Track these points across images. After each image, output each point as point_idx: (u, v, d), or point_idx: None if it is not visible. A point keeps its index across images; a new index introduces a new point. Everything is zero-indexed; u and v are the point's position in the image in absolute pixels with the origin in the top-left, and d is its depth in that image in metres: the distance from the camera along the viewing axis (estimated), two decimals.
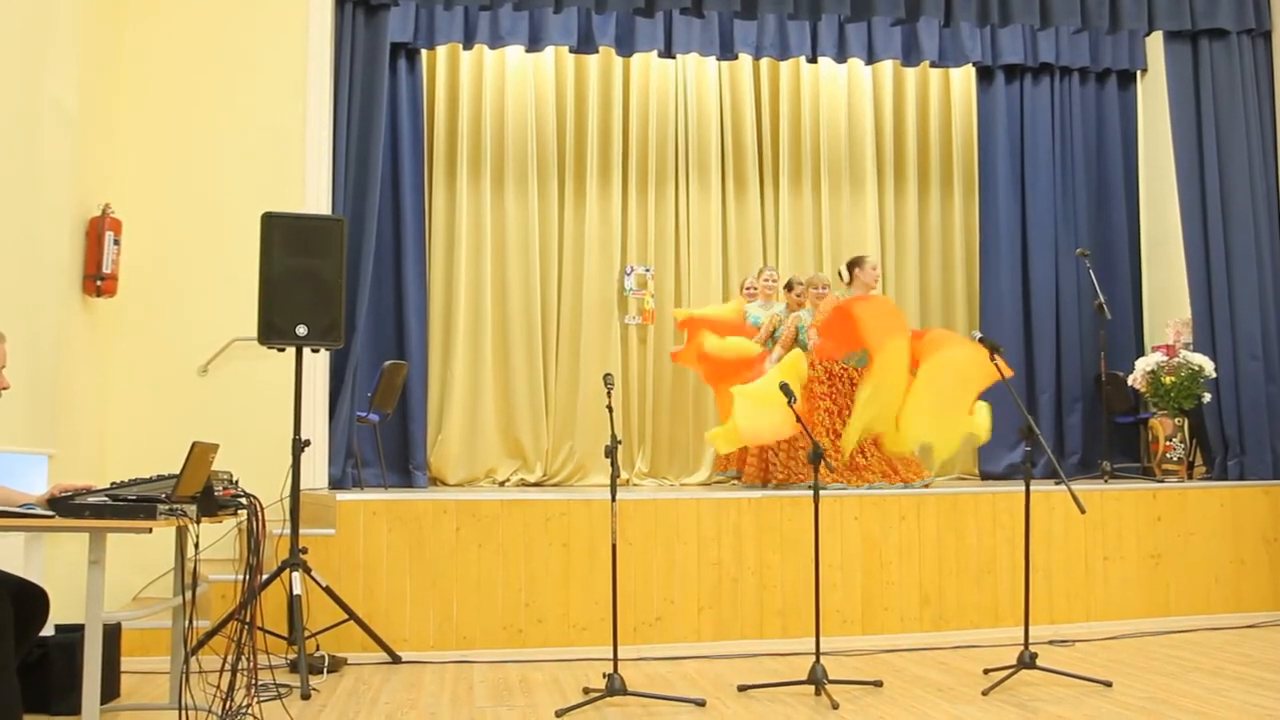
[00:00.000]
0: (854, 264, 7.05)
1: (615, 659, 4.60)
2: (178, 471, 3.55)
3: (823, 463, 4.73)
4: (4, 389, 3.67)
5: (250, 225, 5.31)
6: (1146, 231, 8.69)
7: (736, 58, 8.44)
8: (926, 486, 6.75)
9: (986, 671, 4.97)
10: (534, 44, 8.01)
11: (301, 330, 5.25)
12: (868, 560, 6.09)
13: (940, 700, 4.57)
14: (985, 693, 4.66)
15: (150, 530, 3.45)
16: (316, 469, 6.48)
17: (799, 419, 5.06)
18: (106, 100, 6.39)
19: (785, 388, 5.07)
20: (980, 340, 5.29)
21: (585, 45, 8.10)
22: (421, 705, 4.54)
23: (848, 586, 6.04)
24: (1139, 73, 8.78)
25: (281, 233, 5.27)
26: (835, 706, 4.42)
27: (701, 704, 4.48)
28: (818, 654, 4.70)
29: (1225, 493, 6.73)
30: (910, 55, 8.44)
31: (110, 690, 4.45)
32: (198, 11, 6.71)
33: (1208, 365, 7.17)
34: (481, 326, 8.11)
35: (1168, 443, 7.24)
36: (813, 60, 8.54)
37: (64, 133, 5.71)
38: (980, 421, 6.10)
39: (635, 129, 8.57)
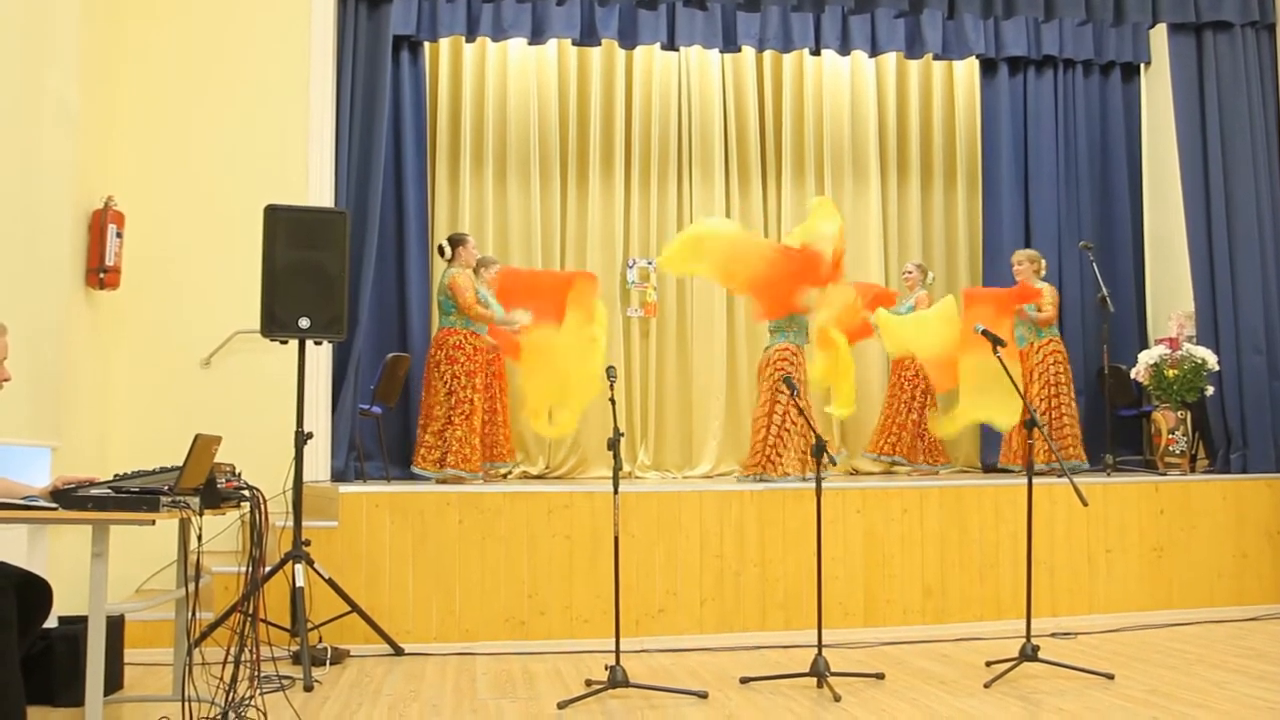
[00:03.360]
0: (456, 241, 6.82)
1: (617, 651, 4.60)
2: (180, 464, 3.55)
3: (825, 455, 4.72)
4: (6, 381, 3.67)
5: (253, 218, 5.31)
6: (1150, 224, 8.68)
7: (740, 50, 8.41)
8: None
9: (988, 664, 4.96)
10: (537, 36, 7.99)
11: (304, 323, 5.25)
12: (870, 553, 6.09)
13: (942, 693, 4.57)
14: (987, 685, 4.65)
15: (153, 522, 3.46)
16: (319, 461, 6.50)
17: (801, 412, 5.06)
18: (109, 93, 6.39)
19: (789, 380, 5.07)
20: (982, 333, 5.27)
21: (588, 37, 8.08)
22: (424, 697, 4.54)
23: (850, 579, 6.04)
24: (1143, 65, 8.75)
25: (284, 226, 5.27)
26: (837, 699, 4.42)
27: (704, 696, 4.49)
28: (820, 646, 4.69)
29: (1228, 486, 6.73)
30: (914, 47, 8.42)
31: (113, 682, 4.46)
32: (200, 4, 6.70)
33: (1210, 358, 7.16)
34: None
35: (1170, 436, 7.23)
36: (816, 53, 8.52)
37: (66, 126, 5.71)
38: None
39: (638, 121, 8.56)
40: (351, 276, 5.94)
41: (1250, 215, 7.42)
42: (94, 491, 3.48)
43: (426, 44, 8.01)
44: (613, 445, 4.58)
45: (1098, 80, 8.74)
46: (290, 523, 5.26)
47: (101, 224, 6.00)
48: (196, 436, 3.57)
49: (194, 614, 3.81)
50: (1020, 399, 5.17)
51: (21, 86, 5.19)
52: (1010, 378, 5.09)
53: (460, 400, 6.52)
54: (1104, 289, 7.48)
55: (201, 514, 3.61)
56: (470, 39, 8.11)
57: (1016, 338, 7.37)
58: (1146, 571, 6.46)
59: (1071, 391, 7.32)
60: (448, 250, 6.76)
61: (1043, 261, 7.54)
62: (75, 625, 4.29)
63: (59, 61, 5.62)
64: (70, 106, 5.74)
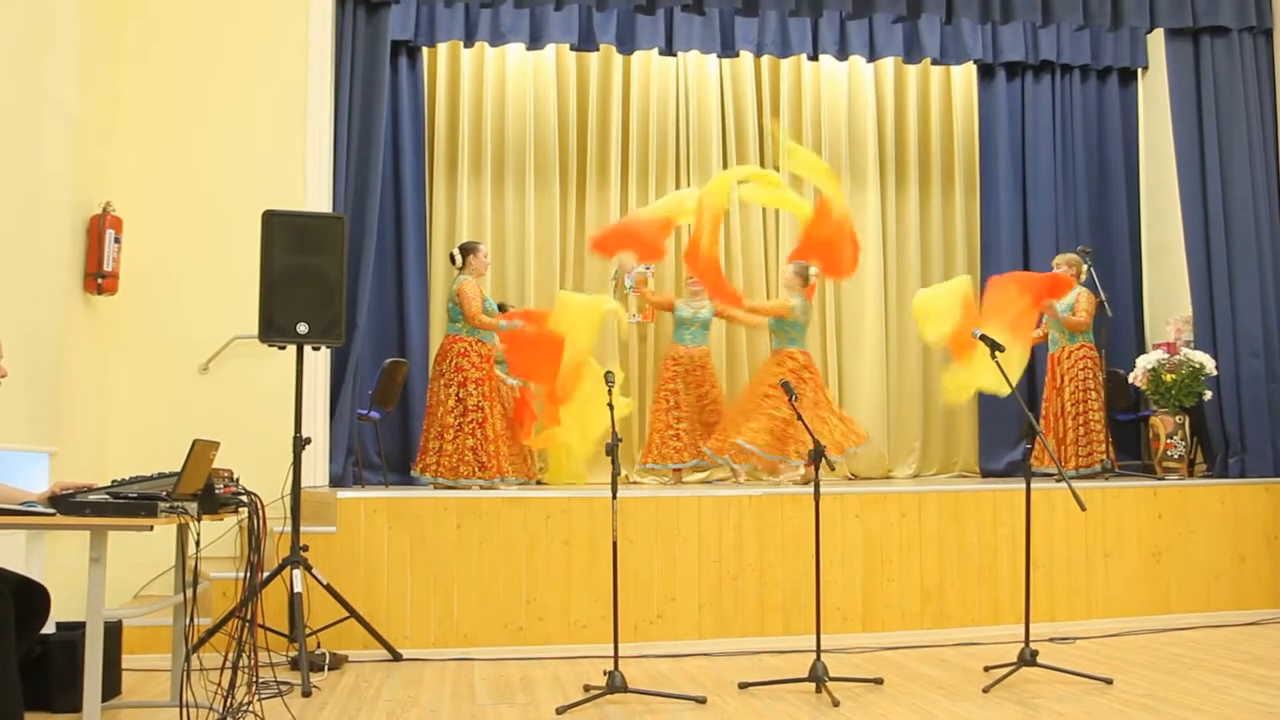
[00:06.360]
0: (468, 249, 6.72)
1: (616, 656, 4.59)
2: (179, 469, 3.55)
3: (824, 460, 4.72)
4: (2, 377, 3.65)
5: (251, 223, 5.31)
6: (1147, 229, 8.69)
7: (738, 55, 8.43)
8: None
9: (987, 669, 4.96)
10: (535, 41, 8.00)
11: (302, 328, 5.25)
12: (868, 557, 6.09)
13: (941, 698, 4.57)
14: (986, 690, 4.65)
15: (151, 528, 3.45)
16: (317, 466, 6.49)
17: (799, 416, 5.06)
18: (107, 98, 6.39)
19: (786, 386, 5.07)
20: (980, 338, 5.27)
21: (586, 43, 8.10)
22: (422, 703, 4.54)
23: (848, 583, 6.04)
24: (1140, 70, 8.77)
25: (282, 231, 5.27)
26: (836, 704, 4.41)
27: (702, 701, 4.48)
28: (818, 651, 4.69)
29: (1226, 490, 6.73)
30: (911, 52, 8.44)
31: (111, 688, 4.45)
32: (198, 9, 6.71)
33: (1208, 363, 7.17)
34: None
35: (1169, 440, 7.23)
36: (814, 58, 8.54)
37: (65, 131, 5.72)
38: None
39: (636, 126, 8.57)
40: (350, 281, 5.95)
41: (1248, 219, 7.43)
42: (92, 497, 3.48)
43: (425, 49, 8.03)
44: (611, 450, 4.58)
45: (1095, 85, 8.76)
46: (288, 528, 5.25)
47: (100, 229, 6.00)
48: (194, 442, 3.57)
49: (192, 619, 3.80)
50: (1022, 406, 5.16)
51: (21, 89, 5.19)
52: (1009, 384, 5.09)
53: (471, 409, 6.50)
54: (1102, 293, 7.48)
55: (199, 519, 3.61)
56: (468, 44, 8.12)
57: (1049, 340, 7.42)
58: (1145, 576, 6.46)
59: (1101, 397, 7.29)
60: (459, 258, 6.73)
61: (1083, 266, 7.51)
62: (73, 631, 4.28)
63: (59, 64, 5.63)
64: (69, 110, 5.74)
